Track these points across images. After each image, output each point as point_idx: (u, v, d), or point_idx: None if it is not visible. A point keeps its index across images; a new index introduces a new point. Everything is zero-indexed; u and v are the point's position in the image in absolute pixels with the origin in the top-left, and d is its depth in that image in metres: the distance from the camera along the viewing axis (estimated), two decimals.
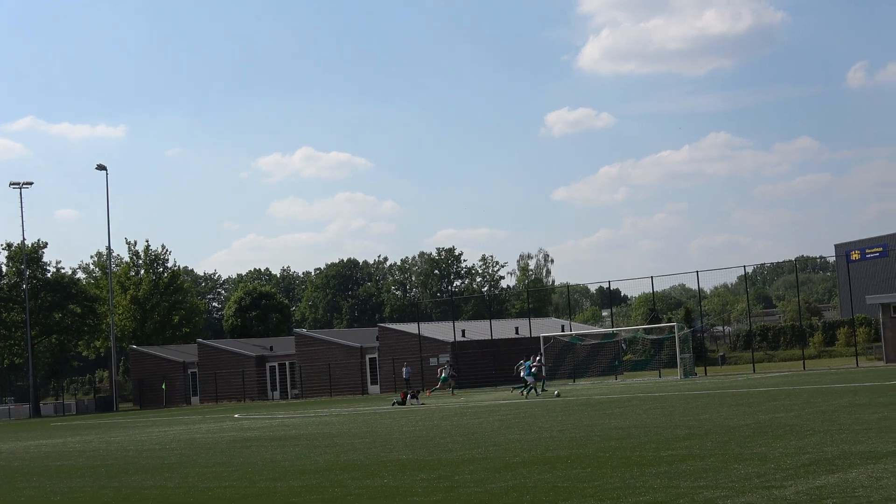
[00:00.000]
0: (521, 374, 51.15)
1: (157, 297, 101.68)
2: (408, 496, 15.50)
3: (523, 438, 24.23)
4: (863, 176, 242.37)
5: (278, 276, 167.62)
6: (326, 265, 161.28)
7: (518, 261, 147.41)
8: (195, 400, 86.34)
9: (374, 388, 75.44)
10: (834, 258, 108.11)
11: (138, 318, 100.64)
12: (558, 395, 47.54)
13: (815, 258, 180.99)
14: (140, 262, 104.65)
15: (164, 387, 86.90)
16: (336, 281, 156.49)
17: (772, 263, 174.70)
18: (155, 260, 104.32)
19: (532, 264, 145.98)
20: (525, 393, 49.70)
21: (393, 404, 48.92)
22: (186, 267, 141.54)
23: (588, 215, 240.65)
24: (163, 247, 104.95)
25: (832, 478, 14.13)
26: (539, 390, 51.12)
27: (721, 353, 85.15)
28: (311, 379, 78.94)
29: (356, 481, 17.85)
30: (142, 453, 28.96)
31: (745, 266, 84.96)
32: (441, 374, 61.67)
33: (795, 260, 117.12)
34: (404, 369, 71.55)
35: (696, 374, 63.62)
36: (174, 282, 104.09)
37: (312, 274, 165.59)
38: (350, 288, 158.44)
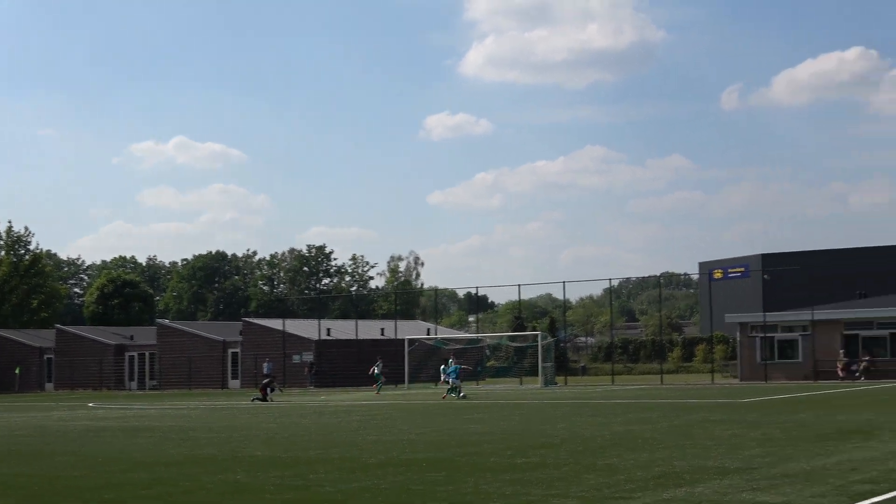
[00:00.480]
0: (448, 378, 48.82)
1: (16, 279, 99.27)
2: (259, 493, 15.34)
3: (381, 440, 24.19)
4: (731, 196, 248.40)
5: (144, 264, 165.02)
6: (194, 256, 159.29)
7: (388, 262, 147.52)
8: (50, 386, 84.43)
9: (234, 383, 74.69)
10: (698, 276, 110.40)
11: None
12: (464, 397, 47.21)
13: (680, 275, 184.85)
14: (1, 243, 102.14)
15: (17, 371, 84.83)
16: (203, 273, 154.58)
17: (637, 278, 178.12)
18: (16, 241, 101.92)
19: (402, 266, 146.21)
20: (454, 396, 47.56)
21: (252, 400, 48.44)
22: (49, 250, 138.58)
23: (461, 220, 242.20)
24: (26, 228, 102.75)
25: (679, 491, 14.36)
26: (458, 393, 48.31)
27: (582, 364, 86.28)
28: (170, 371, 77.82)
29: (209, 475, 17.61)
30: None
31: (610, 279, 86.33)
32: (375, 371, 59.40)
33: (660, 275, 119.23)
34: (265, 365, 71.05)
35: (556, 384, 64.28)
36: (35, 265, 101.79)
37: (179, 264, 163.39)
38: (217, 280, 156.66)
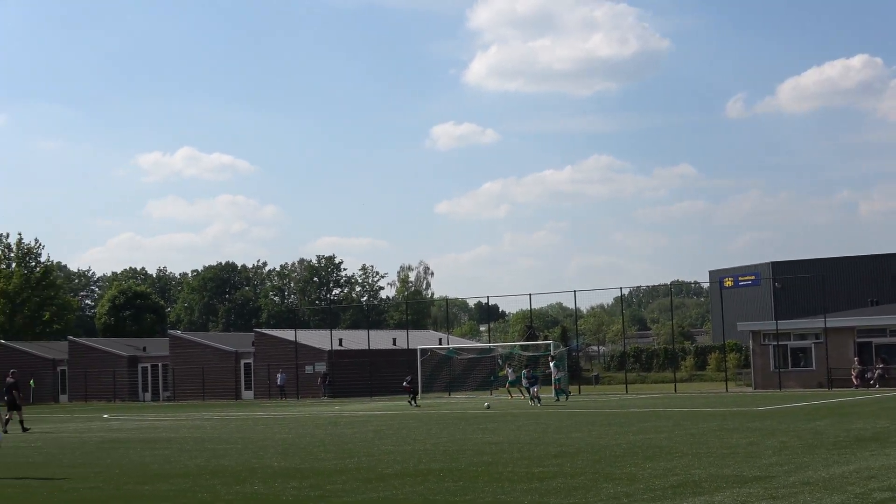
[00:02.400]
0: (524, 383, 51.89)
1: (27, 291, 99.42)
2: None
3: (397, 450, 24.20)
4: (738, 205, 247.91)
5: (154, 276, 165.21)
6: (204, 267, 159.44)
7: (398, 272, 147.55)
8: (64, 398, 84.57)
9: (248, 394, 74.71)
10: (708, 284, 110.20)
11: (7, 313, 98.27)
12: (488, 408, 47.50)
13: (690, 283, 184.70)
14: (12, 255, 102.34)
15: (31, 384, 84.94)
16: (213, 284, 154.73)
17: (648, 286, 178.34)
18: (27, 254, 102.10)
19: (412, 276, 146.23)
20: (532, 400, 49.37)
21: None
22: (59, 262, 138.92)
23: (469, 230, 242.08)
24: (36, 241, 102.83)
25: (698, 500, 14.36)
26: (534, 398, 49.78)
27: (595, 373, 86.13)
28: (183, 382, 77.89)
29: (226, 487, 17.64)
30: (5, 451, 28.26)
31: (621, 288, 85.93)
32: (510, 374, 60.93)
33: (671, 284, 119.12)
34: (279, 376, 71.13)
35: (570, 393, 64.16)
36: (46, 277, 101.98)
37: (189, 276, 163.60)
38: (227, 291, 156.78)
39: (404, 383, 54.11)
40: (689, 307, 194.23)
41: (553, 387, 54.84)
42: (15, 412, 38.09)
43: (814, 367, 60.53)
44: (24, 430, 37.61)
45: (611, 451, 22.02)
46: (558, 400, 52.67)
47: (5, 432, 35.09)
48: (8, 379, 39.43)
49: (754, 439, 24.09)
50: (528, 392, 50.63)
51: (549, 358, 59.98)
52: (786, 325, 62.82)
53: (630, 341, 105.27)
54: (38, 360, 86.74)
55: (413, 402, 52.35)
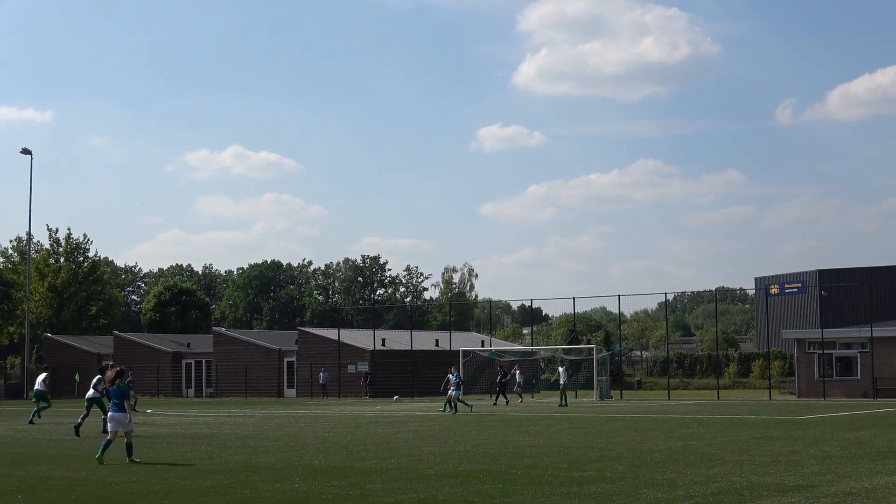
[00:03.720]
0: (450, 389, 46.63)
1: (75, 286, 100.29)
2: (318, 502, 15.43)
3: (437, 451, 24.23)
4: (786, 212, 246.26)
5: (200, 272, 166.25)
6: (249, 265, 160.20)
7: (442, 273, 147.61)
8: None
9: (290, 392, 75.03)
10: (753, 291, 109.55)
11: (55, 307, 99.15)
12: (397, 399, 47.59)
13: (735, 290, 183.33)
14: (60, 249, 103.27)
15: (76, 378, 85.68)
16: (258, 282, 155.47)
17: (692, 292, 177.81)
18: (76, 249, 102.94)
19: (456, 277, 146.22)
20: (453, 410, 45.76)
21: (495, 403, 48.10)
22: (107, 258, 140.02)
23: (514, 232, 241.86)
24: (84, 236, 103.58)
25: None
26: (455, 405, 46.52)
27: (638, 378, 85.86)
28: (227, 378, 78.31)
29: (267, 484, 17.73)
30: (50, 443, 28.57)
31: (665, 293, 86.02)
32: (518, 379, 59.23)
33: (716, 290, 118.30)
34: (321, 375, 71.37)
35: (611, 397, 64.08)
36: (94, 272, 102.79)
37: (235, 273, 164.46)
38: (272, 289, 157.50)
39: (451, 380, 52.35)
40: (733, 314, 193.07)
41: (560, 391, 53.90)
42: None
43: (859, 377, 60.07)
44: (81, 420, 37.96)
45: (652, 457, 21.95)
46: (562, 405, 51.93)
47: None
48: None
49: (797, 448, 23.93)
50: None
51: (560, 362, 59.81)
52: (831, 333, 62.38)
53: (673, 347, 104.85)
54: (84, 355, 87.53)
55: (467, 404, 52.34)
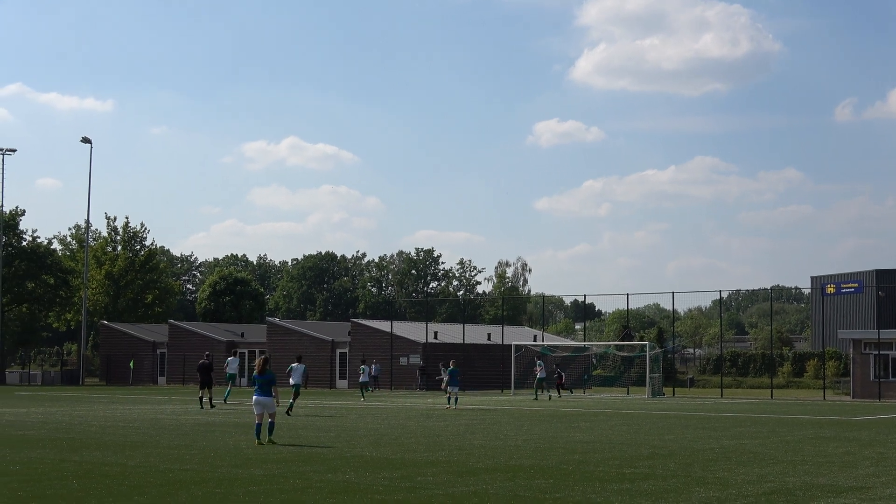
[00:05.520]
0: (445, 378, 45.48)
1: (132, 274, 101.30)
2: (369, 493, 15.47)
3: (487, 445, 24.23)
4: (844, 211, 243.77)
5: (255, 263, 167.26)
6: (304, 256, 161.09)
7: (496, 267, 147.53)
8: (162, 380, 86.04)
9: (342, 383, 75.30)
10: (809, 290, 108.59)
11: (111, 294, 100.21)
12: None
13: (791, 288, 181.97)
14: (118, 238, 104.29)
15: (131, 365, 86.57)
16: (312, 273, 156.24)
17: (747, 290, 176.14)
18: (133, 237, 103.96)
19: (510, 272, 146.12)
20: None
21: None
22: (163, 247, 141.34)
23: (568, 228, 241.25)
24: (142, 224, 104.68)
25: None
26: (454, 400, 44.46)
27: (690, 376, 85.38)
28: (280, 369, 78.36)
29: (318, 475, 17.81)
30: (105, 429, 28.86)
31: (720, 291, 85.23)
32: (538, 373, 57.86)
33: (771, 289, 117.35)
34: (372, 367, 71.52)
35: (664, 395, 63.81)
36: (150, 260, 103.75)
37: (289, 264, 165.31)
38: (326, 281, 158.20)
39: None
40: (788, 313, 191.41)
41: (536, 386, 56.57)
42: (206, 390, 43.24)
43: None
44: (212, 406, 42.78)
45: (704, 455, 21.82)
46: (536, 399, 54.02)
47: (202, 408, 41.25)
48: (203, 361, 44.96)
49: (851, 449, 23.70)
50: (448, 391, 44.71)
51: (536, 357, 60.43)
52: (888, 334, 61.67)
53: (727, 345, 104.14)
54: (139, 342, 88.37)
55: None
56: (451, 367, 45.18)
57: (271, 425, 24.20)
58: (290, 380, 40.69)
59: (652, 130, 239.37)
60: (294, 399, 38.88)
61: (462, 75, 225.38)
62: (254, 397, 24.41)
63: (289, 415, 35.56)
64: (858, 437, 27.91)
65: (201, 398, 43.07)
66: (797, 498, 15.21)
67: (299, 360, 43.04)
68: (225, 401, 46.12)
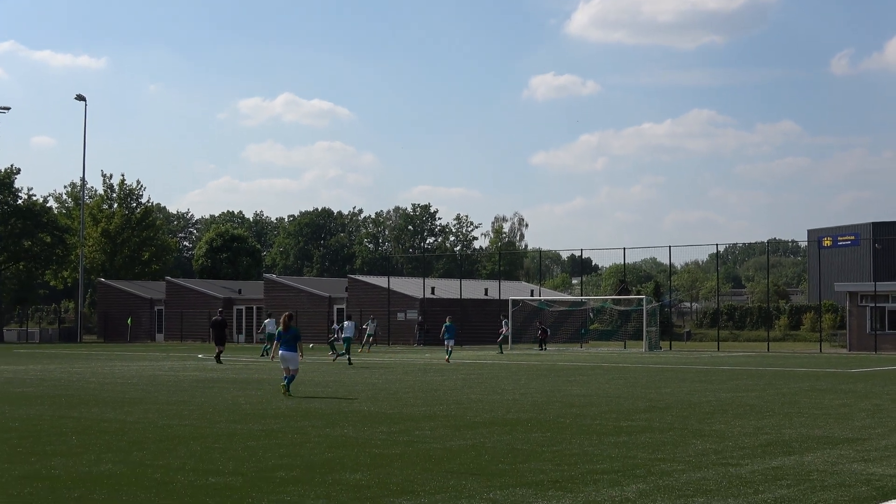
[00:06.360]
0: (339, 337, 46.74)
1: (128, 231, 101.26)
2: (367, 447, 15.52)
3: (485, 399, 24.30)
4: (841, 164, 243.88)
5: (251, 220, 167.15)
6: (300, 213, 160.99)
7: (493, 223, 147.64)
8: (160, 337, 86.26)
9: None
10: (806, 243, 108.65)
11: (108, 252, 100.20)
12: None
13: (788, 241, 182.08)
14: (114, 195, 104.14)
15: (129, 322, 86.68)
16: (309, 229, 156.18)
17: (744, 244, 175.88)
18: (129, 195, 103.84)
19: (506, 227, 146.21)
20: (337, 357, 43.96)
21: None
22: (159, 204, 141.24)
23: (565, 182, 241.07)
24: (138, 182, 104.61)
25: (788, 459, 14.23)
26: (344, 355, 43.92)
27: (687, 329, 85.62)
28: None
29: (316, 429, 17.86)
30: (103, 386, 28.92)
31: (717, 244, 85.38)
32: (367, 330, 61.47)
33: (767, 242, 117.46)
34: (369, 323, 71.67)
35: (661, 348, 64.01)
36: (146, 218, 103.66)
37: (285, 220, 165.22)
38: (322, 237, 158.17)
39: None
40: (785, 266, 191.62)
41: (499, 342, 59.94)
42: (219, 346, 43.98)
43: None
44: (219, 362, 42.87)
45: (700, 408, 21.90)
46: (501, 353, 56.85)
47: (219, 362, 42.17)
48: (216, 317, 46.03)
49: (847, 401, 23.80)
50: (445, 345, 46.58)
51: (502, 317, 61.84)
52: (884, 286, 61.79)
53: (724, 299, 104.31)
54: (136, 300, 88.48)
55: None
56: (448, 322, 45.99)
57: (291, 378, 25.34)
58: (341, 335, 44.14)
59: (648, 84, 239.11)
60: (349, 353, 42.53)
61: (457, 30, 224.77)
62: (279, 352, 25.67)
63: (350, 364, 40.45)
64: (854, 389, 28.01)
65: (219, 354, 43.74)
66: (793, 449, 15.27)
67: (349, 318, 45.51)
68: (272, 357, 45.15)
